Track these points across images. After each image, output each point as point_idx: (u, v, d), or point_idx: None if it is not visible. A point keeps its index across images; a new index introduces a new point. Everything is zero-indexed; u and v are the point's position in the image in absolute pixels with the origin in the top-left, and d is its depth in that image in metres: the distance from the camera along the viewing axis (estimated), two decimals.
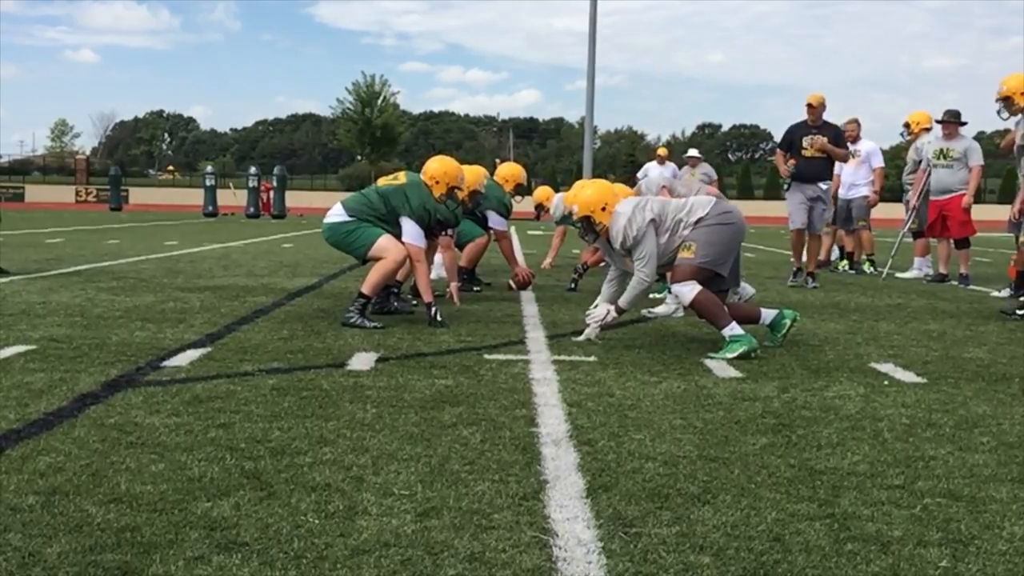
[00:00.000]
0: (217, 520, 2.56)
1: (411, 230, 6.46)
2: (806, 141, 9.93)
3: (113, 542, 2.39)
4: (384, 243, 6.45)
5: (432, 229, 6.75)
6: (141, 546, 2.37)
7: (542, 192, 11.62)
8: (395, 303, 6.98)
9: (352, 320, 6.23)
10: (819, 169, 9.99)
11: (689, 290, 5.54)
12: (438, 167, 6.68)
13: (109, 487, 2.83)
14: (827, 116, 10.18)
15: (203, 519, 2.57)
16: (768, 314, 5.88)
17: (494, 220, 8.73)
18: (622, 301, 5.82)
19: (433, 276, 10.42)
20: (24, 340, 5.35)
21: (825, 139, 9.86)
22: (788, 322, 5.83)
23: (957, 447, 3.53)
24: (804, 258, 10.26)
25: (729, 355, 5.31)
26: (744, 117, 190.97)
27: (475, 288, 8.91)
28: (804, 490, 2.96)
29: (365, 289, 6.36)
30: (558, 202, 7.22)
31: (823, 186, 10.05)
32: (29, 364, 4.70)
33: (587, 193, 5.87)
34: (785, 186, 10.18)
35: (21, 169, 78.41)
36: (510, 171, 9.25)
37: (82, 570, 2.22)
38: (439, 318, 6.34)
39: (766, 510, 2.76)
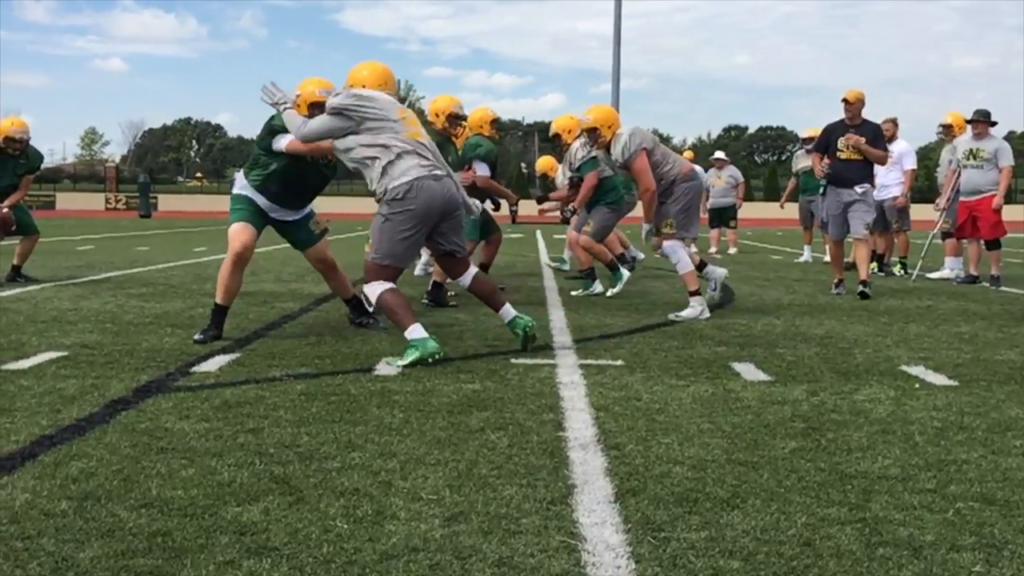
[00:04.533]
0: (247, 525, 2.58)
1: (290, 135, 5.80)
2: (841, 141, 9.12)
3: (145, 547, 2.41)
4: (230, 232, 5.99)
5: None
6: (172, 551, 2.39)
7: (545, 162, 11.62)
8: (364, 319, 6.47)
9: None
10: (856, 171, 9.13)
11: (373, 290, 5.29)
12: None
13: (140, 492, 2.85)
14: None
15: (233, 524, 2.59)
16: (508, 313, 5.54)
17: (480, 168, 8.48)
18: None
19: (419, 272, 10.49)
20: (56, 346, 5.41)
21: (862, 138, 9.05)
22: (520, 332, 5.47)
23: (990, 450, 3.49)
24: (845, 267, 9.82)
25: (400, 362, 4.98)
26: (770, 119, 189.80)
27: (499, 287, 8.97)
28: (834, 494, 2.94)
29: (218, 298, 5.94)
30: (575, 149, 8.83)
31: (859, 189, 9.12)
32: (61, 370, 4.75)
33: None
34: (821, 190, 9.72)
35: (52, 177, 79.19)
36: (480, 116, 8.53)
37: (114, 575, 2.24)
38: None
39: (796, 514, 2.74)
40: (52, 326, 6.26)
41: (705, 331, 6.50)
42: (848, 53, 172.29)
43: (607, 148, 7.48)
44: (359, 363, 5.09)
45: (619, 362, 5.22)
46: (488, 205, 9.04)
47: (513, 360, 5.24)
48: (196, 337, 5.72)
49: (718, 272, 7.66)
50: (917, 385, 4.72)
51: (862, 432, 3.74)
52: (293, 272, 11.05)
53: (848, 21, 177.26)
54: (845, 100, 9.20)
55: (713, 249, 16.43)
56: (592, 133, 7.52)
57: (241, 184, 6.02)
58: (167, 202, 54.12)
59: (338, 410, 3.98)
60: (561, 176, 10.04)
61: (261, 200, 6.00)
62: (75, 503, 2.73)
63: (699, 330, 6.55)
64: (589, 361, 5.24)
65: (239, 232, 5.88)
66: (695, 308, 7.17)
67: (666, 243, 7.36)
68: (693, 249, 7.96)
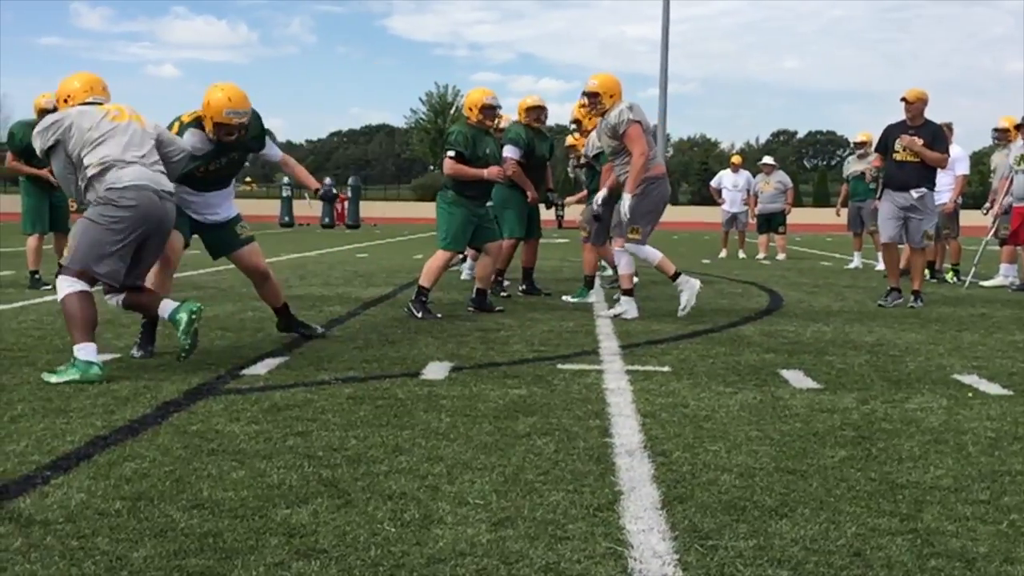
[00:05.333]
0: (296, 527, 2.61)
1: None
2: (898, 143, 8.66)
3: (196, 547, 2.44)
4: None
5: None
6: (223, 552, 2.42)
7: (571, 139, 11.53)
8: (300, 329, 6.18)
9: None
10: (912, 174, 8.59)
11: (65, 287, 4.78)
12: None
13: (192, 493, 2.89)
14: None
15: (282, 526, 2.62)
16: (167, 308, 4.95)
17: (508, 151, 8.49)
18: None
19: (465, 276, 10.52)
20: (110, 348, 5.50)
21: (919, 140, 8.56)
22: (184, 316, 4.85)
23: None
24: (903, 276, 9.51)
25: (54, 379, 4.54)
26: (820, 123, 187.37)
27: (545, 292, 9.03)
28: (885, 504, 2.90)
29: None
30: (593, 137, 8.65)
31: (915, 194, 8.60)
32: (114, 372, 4.83)
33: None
34: (877, 194, 9.37)
35: None
36: (475, 96, 7.73)
37: (167, 574, 2.28)
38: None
39: (846, 524, 2.71)
40: (106, 328, 6.36)
41: (753, 338, 6.44)
42: (899, 56, 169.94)
43: (602, 116, 7.44)
44: (406, 367, 5.12)
45: (666, 368, 5.20)
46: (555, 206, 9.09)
47: (559, 366, 5.24)
48: (133, 353, 5.42)
49: (693, 283, 7.51)
50: (970, 394, 4.65)
51: (914, 441, 3.68)
52: (340, 276, 11.14)
53: (899, 24, 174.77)
54: (904, 100, 8.75)
55: (761, 255, 16.29)
56: (593, 98, 7.45)
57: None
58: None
59: (385, 414, 4.00)
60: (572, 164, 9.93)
61: (190, 199, 5.67)
62: (129, 503, 2.78)
63: (747, 337, 6.49)
64: (636, 367, 5.22)
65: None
66: (623, 307, 7.43)
67: (628, 244, 7.42)
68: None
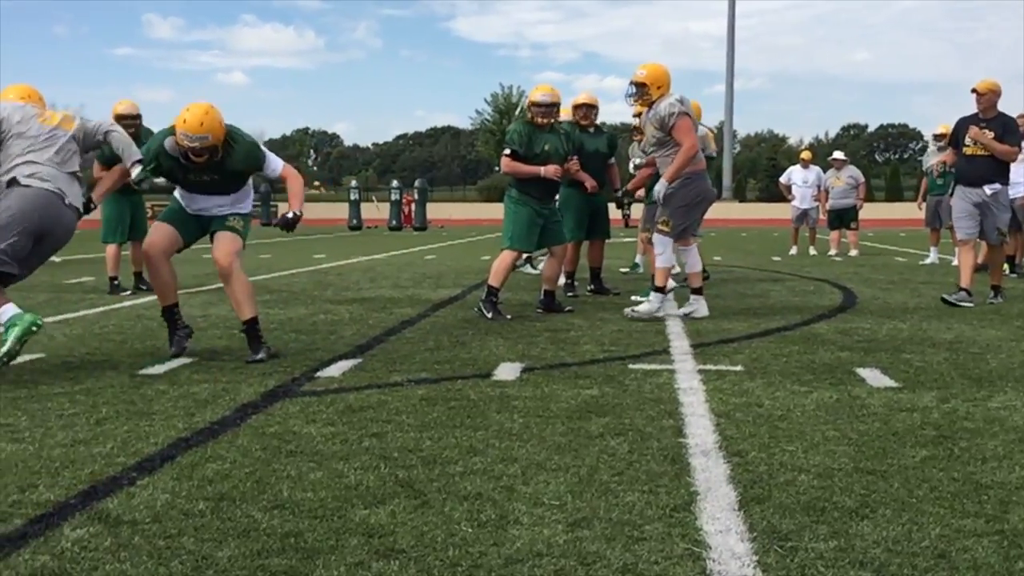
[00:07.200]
0: (375, 527, 2.64)
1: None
2: (968, 137, 8.34)
3: (279, 547, 2.49)
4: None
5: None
6: (305, 552, 2.46)
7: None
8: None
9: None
10: (983, 169, 8.29)
11: None
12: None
13: (272, 494, 2.95)
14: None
15: (361, 526, 2.65)
16: (8, 312, 4.91)
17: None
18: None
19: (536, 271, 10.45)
20: (188, 352, 5.62)
21: (986, 132, 8.21)
22: (17, 328, 4.82)
23: None
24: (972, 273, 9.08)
25: (7, 345, 4.75)
26: (892, 116, 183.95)
27: (614, 292, 9.01)
28: (970, 505, 2.84)
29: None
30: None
31: (988, 190, 8.30)
32: (194, 375, 4.94)
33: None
34: (949, 191, 9.04)
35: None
36: (531, 93, 7.69)
37: (251, 574, 2.32)
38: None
39: (929, 525, 2.66)
40: None
41: (827, 336, 6.35)
42: (973, 47, 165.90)
43: (649, 107, 7.34)
44: (477, 368, 5.14)
45: (739, 367, 5.15)
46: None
47: (631, 365, 5.22)
48: (172, 350, 5.58)
49: (703, 308, 7.38)
50: None
51: (997, 441, 3.60)
52: (409, 278, 11.24)
53: (972, 14, 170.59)
54: (975, 91, 8.45)
55: (833, 251, 16.02)
56: (640, 88, 7.33)
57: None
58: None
59: (458, 415, 4.03)
60: (638, 159, 9.71)
61: (187, 199, 5.69)
62: (212, 503, 2.84)
63: (821, 335, 6.40)
64: (708, 366, 5.18)
65: (152, 230, 5.77)
66: (653, 304, 7.28)
67: (656, 235, 7.39)
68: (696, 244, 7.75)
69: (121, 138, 5.43)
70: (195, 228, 5.73)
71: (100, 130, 5.37)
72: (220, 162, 5.41)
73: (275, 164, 5.71)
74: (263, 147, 5.72)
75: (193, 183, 5.57)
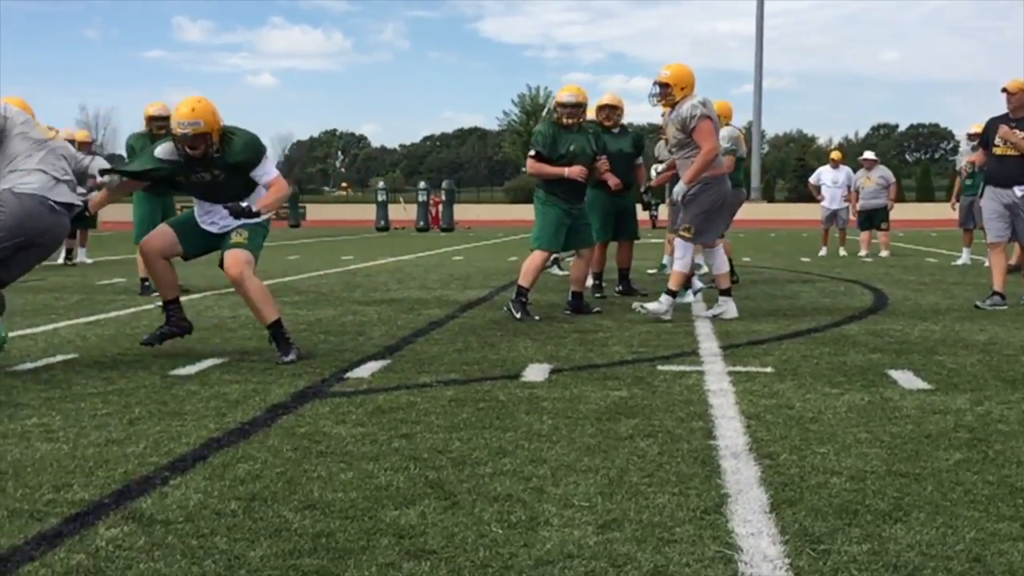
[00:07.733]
0: (405, 528, 2.65)
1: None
2: (997, 137, 8.18)
3: (310, 547, 2.50)
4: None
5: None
6: (336, 552, 2.47)
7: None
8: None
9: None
10: (1013, 169, 8.11)
11: None
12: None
13: (303, 494, 2.96)
14: None
15: (392, 527, 2.66)
16: None
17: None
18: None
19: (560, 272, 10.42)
20: (219, 353, 5.67)
21: (1018, 132, 8.07)
22: None
23: None
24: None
25: None
26: (922, 116, 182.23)
27: (642, 293, 8.98)
28: (1005, 508, 2.81)
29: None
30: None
31: (1019, 191, 8.09)
32: (224, 376, 4.97)
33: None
34: (979, 190, 8.98)
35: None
36: (557, 94, 7.76)
37: (283, 574, 2.34)
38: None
39: (964, 529, 2.63)
40: (214, 333, 6.56)
41: (858, 337, 6.30)
42: (1004, 46, 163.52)
43: (672, 107, 7.29)
44: (506, 370, 5.14)
45: (769, 369, 5.12)
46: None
47: (660, 367, 5.20)
48: (143, 338, 5.76)
49: (733, 309, 7.36)
50: None
51: None
52: (437, 279, 11.26)
53: (1002, 13, 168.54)
54: (1006, 90, 8.31)
55: (863, 252, 15.91)
56: (664, 88, 7.27)
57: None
58: (314, 212, 55.85)
59: (488, 416, 4.03)
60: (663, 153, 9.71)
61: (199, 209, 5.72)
62: (243, 503, 2.86)
63: (851, 336, 6.35)
64: (738, 368, 5.15)
65: (155, 230, 5.84)
66: (662, 305, 7.21)
67: (677, 240, 7.39)
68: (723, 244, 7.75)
69: (87, 161, 5.68)
70: (201, 243, 5.70)
71: (74, 157, 5.53)
72: (220, 155, 5.43)
73: (269, 168, 5.59)
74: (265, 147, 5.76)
75: (196, 184, 5.58)
